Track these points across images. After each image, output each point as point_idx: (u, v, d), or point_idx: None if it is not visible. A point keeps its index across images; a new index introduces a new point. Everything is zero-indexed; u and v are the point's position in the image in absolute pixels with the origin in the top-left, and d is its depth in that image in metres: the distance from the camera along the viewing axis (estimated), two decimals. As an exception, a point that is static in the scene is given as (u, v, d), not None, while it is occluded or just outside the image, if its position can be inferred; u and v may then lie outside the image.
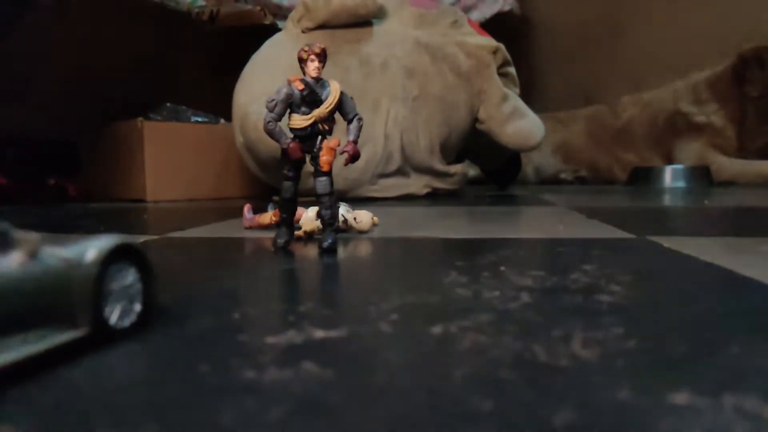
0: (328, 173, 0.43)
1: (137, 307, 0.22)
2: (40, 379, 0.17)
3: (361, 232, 0.53)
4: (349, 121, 0.43)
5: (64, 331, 0.19)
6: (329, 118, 0.43)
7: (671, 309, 0.26)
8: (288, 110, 0.42)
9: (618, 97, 1.98)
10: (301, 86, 0.41)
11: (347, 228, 0.53)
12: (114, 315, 0.21)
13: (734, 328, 0.23)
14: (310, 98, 0.42)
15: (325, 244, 0.43)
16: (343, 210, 0.53)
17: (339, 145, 0.43)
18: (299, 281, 0.35)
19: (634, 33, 2.10)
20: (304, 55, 0.41)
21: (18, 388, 0.17)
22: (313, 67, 0.41)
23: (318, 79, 0.42)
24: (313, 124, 0.42)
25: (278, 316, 0.25)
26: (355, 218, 0.53)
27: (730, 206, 0.87)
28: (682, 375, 0.17)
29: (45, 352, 0.18)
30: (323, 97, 0.42)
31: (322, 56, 0.42)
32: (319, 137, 0.43)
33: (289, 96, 0.41)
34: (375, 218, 0.55)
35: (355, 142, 0.43)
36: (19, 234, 0.18)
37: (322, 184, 0.43)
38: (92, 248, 0.20)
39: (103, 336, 0.20)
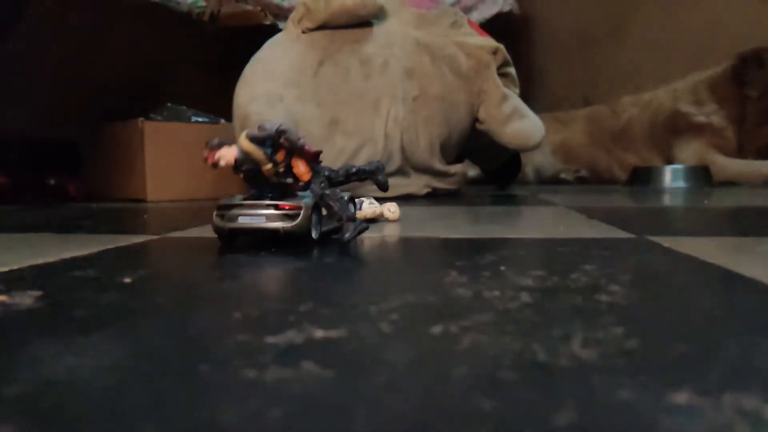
0: (309, 181, 0.45)
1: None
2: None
3: (391, 221, 0.61)
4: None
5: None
6: (285, 167, 0.44)
7: (671, 309, 0.26)
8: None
9: (618, 97, 1.98)
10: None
11: (376, 220, 0.61)
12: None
13: (734, 328, 0.23)
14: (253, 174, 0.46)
15: (347, 236, 0.46)
16: (367, 203, 0.58)
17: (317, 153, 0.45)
18: (299, 281, 0.35)
19: (634, 33, 2.10)
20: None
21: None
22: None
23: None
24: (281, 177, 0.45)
25: (278, 315, 0.25)
26: (389, 209, 0.61)
27: (730, 206, 0.87)
28: (682, 375, 0.17)
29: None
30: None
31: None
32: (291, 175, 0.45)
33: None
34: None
35: (302, 147, 0.44)
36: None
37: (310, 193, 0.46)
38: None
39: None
